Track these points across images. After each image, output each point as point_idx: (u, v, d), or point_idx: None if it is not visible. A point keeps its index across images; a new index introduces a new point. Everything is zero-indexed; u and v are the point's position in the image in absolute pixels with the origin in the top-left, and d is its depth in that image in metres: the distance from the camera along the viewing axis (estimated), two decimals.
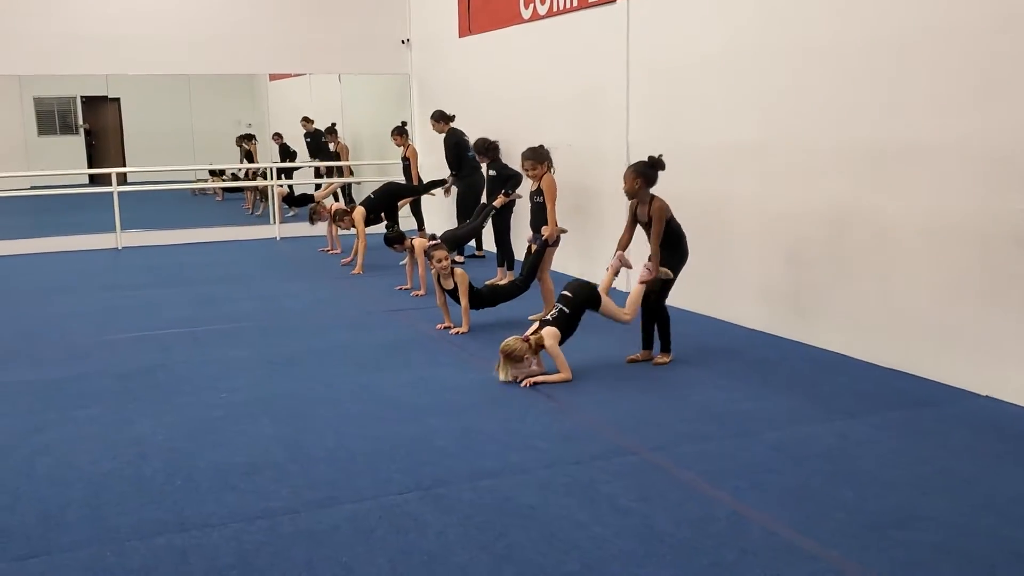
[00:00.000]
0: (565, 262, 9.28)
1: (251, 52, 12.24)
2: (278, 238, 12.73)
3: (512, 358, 5.36)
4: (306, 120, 15.99)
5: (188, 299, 8.37)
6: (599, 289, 5.76)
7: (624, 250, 5.90)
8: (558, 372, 5.44)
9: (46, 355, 6.40)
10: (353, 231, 10.06)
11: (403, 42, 12.77)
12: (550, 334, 5.46)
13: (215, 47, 11.99)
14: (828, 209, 6.01)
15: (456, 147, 10.14)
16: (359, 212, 9.94)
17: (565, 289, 5.73)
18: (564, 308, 5.60)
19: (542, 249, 6.92)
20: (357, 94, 15.41)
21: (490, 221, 8.87)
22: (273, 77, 18.24)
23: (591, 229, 8.31)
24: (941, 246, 5.25)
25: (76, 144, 20.36)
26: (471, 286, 6.72)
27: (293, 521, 3.65)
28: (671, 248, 5.73)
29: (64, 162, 17.76)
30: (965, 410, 4.89)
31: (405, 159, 11.19)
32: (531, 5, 9.48)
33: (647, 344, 5.96)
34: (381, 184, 10.78)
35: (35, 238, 11.94)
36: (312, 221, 10.95)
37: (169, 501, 3.86)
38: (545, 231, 6.93)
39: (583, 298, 5.65)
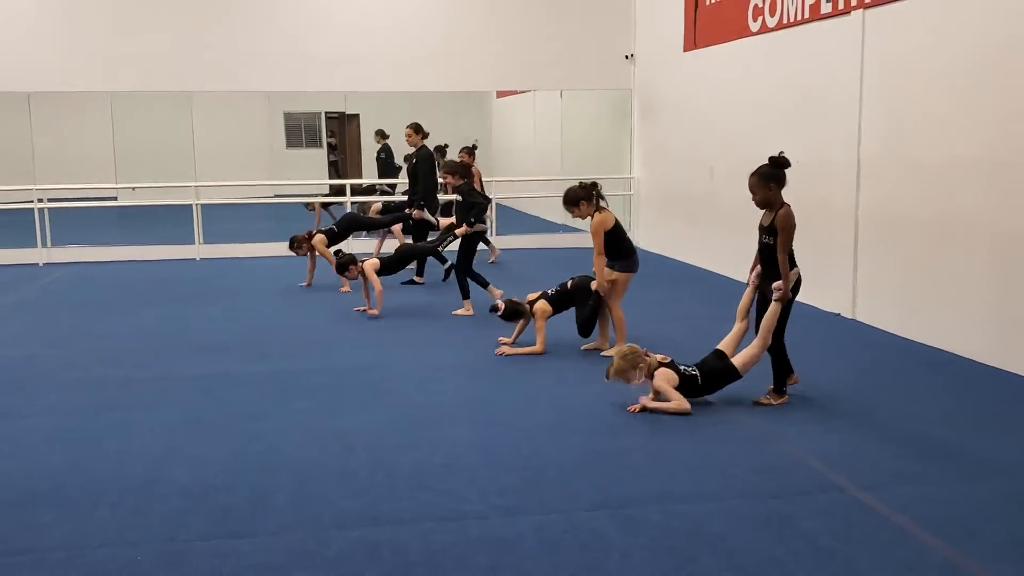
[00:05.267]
0: None
1: (477, 69, 12.65)
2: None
3: (619, 376, 5.21)
4: (380, 134, 15.27)
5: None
6: (739, 311, 5.44)
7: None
8: (670, 402, 5.17)
9: (271, 350, 6.85)
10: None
11: (627, 57, 12.76)
12: (662, 376, 5.22)
13: (443, 65, 12.50)
14: None
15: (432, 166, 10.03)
16: (320, 239, 9.74)
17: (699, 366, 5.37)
18: (696, 372, 5.30)
19: (596, 304, 6.53)
20: (577, 110, 15.52)
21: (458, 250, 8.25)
22: (500, 94, 18.76)
23: (818, 250, 7.70)
24: None
25: (319, 157, 21.89)
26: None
27: (481, 525, 3.69)
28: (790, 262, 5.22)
29: (308, 173, 19.14)
30: None
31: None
32: (760, 18, 9.19)
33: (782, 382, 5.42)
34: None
35: (272, 243, 12.60)
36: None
37: (368, 496, 4.02)
38: (593, 284, 6.48)
39: (719, 373, 5.31)
